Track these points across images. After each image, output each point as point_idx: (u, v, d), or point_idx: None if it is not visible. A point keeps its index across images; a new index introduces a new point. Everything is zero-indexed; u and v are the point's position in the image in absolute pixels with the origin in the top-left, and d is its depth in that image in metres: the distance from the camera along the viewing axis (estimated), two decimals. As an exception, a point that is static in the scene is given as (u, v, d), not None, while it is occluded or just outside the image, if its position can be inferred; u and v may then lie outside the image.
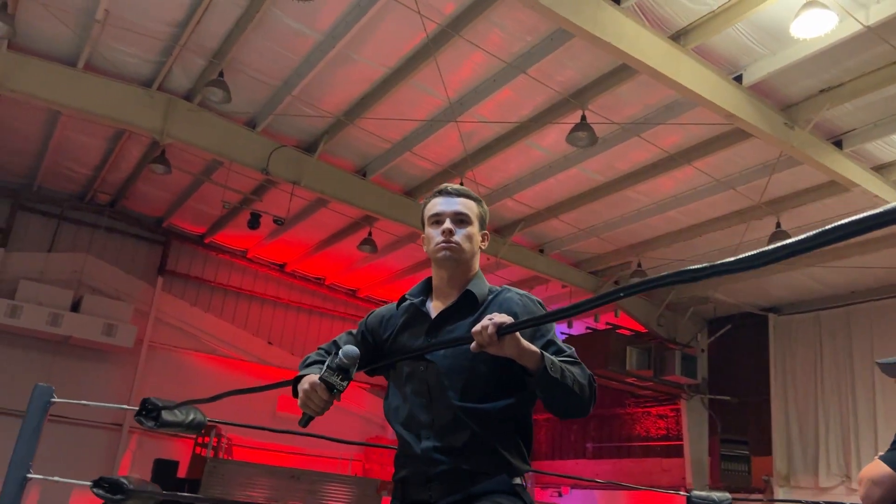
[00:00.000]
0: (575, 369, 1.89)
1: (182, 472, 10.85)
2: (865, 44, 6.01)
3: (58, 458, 10.46)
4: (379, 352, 2.07)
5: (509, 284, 2.34)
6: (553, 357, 1.86)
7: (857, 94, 6.58)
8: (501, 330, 1.65)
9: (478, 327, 1.67)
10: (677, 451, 12.53)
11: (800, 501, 10.03)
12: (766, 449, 11.18)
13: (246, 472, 10.39)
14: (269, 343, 13.46)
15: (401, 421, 1.97)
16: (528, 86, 7.31)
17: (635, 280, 10.69)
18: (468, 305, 1.98)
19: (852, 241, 9.35)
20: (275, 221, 10.00)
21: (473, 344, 1.69)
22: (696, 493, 4.89)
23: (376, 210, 9.69)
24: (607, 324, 12.02)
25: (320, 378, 1.81)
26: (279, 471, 10.84)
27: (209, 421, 3.33)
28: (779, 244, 0.94)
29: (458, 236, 1.97)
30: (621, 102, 7.40)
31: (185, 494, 8.93)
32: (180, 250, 12.97)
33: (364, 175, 9.46)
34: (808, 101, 6.88)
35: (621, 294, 1.20)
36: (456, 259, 1.98)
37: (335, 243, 11.85)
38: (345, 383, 1.82)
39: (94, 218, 12.05)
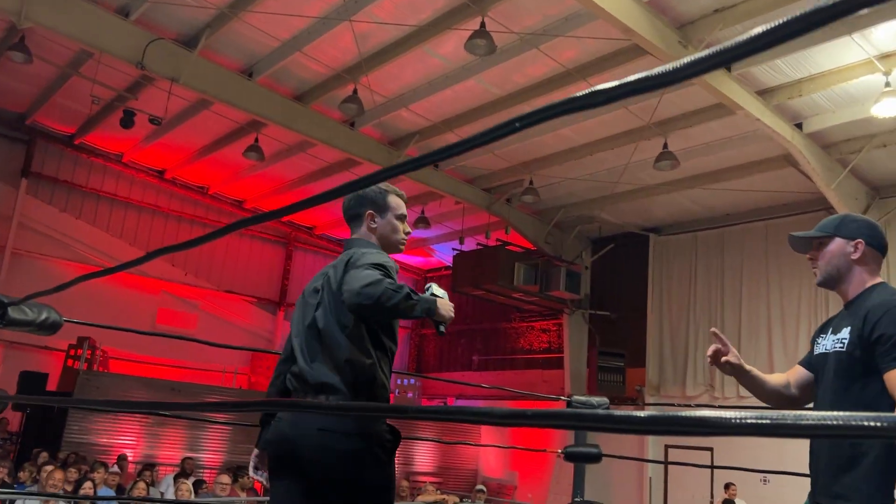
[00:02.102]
0: None
1: (52, 385, 10.30)
2: (760, -36, 6.06)
3: None
4: None
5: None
6: None
7: (748, 15, 6.68)
8: None
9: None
10: (558, 364, 13.08)
11: (668, 404, 10.76)
12: (639, 361, 11.84)
13: (121, 384, 9.99)
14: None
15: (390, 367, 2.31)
16: (427, -13, 6.98)
17: (528, 198, 10.79)
18: None
19: (731, 164, 9.78)
20: (151, 121, 9.31)
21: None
22: (576, 397, 5.05)
23: (263, 114, 9.18)
24: (498, 240, 12.15)
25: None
26: (157, 383, 10.49)
27: (79, 324, 3.04)
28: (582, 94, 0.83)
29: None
30: (521, 11, 7.21)
31: (38, 397, 8.50)
32: (47, 151, 11.95)
33: (250, 76, 8.89)
34: (702, 20, 6.94)
35: (425, 161, 1.08)
36: (401, 250, 2.48)
37: (219, 149, 11.24)
38: None
39: (-57, 111, 10.85)
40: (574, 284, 12.25)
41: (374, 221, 2.35)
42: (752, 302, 10.65)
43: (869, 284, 2.14)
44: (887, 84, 7.05)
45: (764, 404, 2.43)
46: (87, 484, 6.25)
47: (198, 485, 7.49)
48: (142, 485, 6.38)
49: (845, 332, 2.10)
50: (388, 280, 2.02)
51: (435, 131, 9.83)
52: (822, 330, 2.30)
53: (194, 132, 10.83)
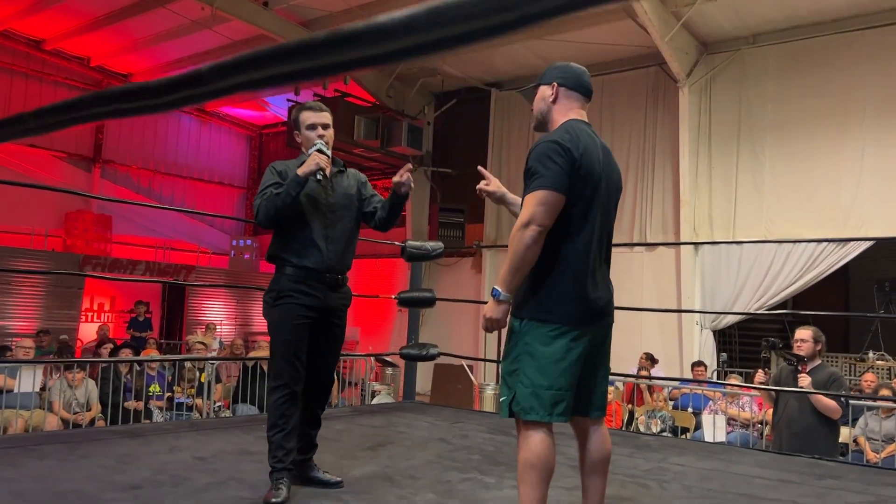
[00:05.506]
0: None
1: None
2: None
3: None
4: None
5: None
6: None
7: None
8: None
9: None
10: (400, 220, 12.98)
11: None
12: (479, 217, 12.00)
13: None
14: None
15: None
16: None
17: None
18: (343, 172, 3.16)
19: (572, 15, 9.65)
20: None
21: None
22: (410, 242, 4.91)
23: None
24: (336, 91, 11.52)
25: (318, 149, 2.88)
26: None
27: None
28: None
29: (327, 137, 3.00)
30: None
31: None
32: None
33: None
34: None
35: None
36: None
37: (4, -25, 9.56)
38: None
39: None
40: (416, 140, 12.01)
41: (298, 137, 3.04)
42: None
43: (560, 122, 2.31)
44: (724, -69, 7.03)
45: None
46: None
47: (1, 351, 6.81)
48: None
49: None
50: (260, 198, 2.85)
51: (262, -37, 8.85)
52: None
53: (-32, -49, 9.09)
